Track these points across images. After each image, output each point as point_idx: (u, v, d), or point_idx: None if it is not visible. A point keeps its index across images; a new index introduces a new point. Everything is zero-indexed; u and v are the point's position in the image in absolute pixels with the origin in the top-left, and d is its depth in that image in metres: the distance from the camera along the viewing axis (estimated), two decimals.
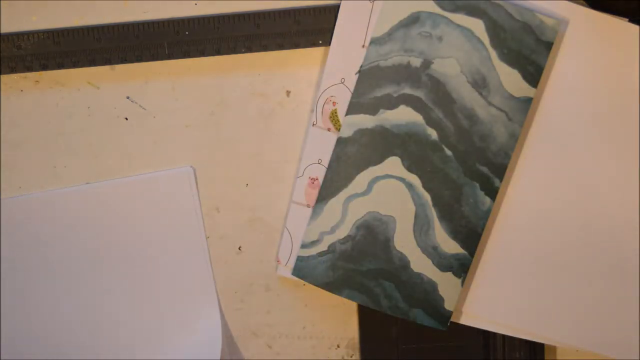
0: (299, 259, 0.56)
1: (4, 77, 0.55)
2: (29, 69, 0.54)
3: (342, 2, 0.54)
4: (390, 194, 0.54)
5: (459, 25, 0.53)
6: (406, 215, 0.54)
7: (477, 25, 0.53)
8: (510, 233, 0.55)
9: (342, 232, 0.55)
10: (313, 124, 0.55)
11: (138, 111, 0.56)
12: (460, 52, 0.53)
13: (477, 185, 0.54)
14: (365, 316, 0.58)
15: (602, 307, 0.56)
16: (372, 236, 0.55)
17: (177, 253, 0.56)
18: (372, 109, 0.54)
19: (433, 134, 0.54)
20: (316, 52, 0.55)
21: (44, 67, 0.54)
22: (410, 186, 0.54)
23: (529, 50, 0.53)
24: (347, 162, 0.54)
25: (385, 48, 0.54)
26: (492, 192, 0.54)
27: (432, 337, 0.58)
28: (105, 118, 0.56)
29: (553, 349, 0.60)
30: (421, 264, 0.55)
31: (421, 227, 0.54)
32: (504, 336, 0.58)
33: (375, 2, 0.53)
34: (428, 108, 0.54)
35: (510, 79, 0.53)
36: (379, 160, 0.54)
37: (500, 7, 0.53)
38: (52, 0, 0.54)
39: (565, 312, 0.56)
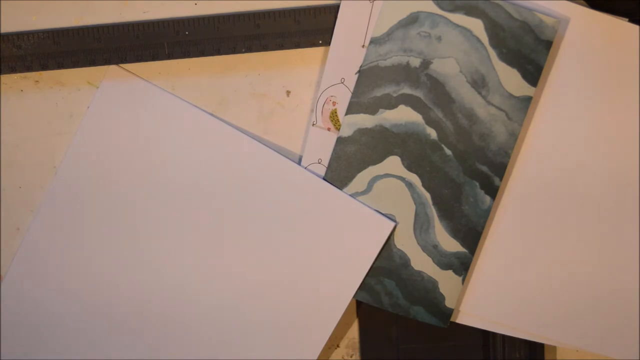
0: None
1: (4, 77, 0.55)
2: (29, 69, 0.54)
3: (342, 2, 0.54)
4: (390, 193, 0.54)
5: (458, 25, 0.53)
6: (406, 214, 0.54)
7: (476, 25, 0.53)
8: (510, 232, 0.55)
9: None
10: (313, 124, 0.55)
11: None
12: (459, 52, 0.53)
13: (477, 184, 0.54)
14: (365, 316, 0.58)
15: (602, 307, 0.56)
16: None
17: None
18: (371, 109, 0.54)
19: (432, 133, 0.54)
20: (316, 52, 0.55)
21: (44, 67, 0.54)
22: (410, 185, 0.54)
23: (529, 50, 0.53)
24: (347, 162, 0.54)
25: (384, 48, 0.54)
26: (492, 191, 0.54)
27: (432, 337, 0.58)
28: None
29: (553, 349, 0.60)
30: (422, 262, 0.55)
31: (421, 226, 0.54)
32: (504, 336, 0.58)
33: (374, 2, 0.54)
34: (427, 108, 0.54)
35: (510, 78, 0.53)
36: (379, 159, 0.54)
37: (499, 7, 0.53)
38: (52, 0, 0.54)
39: (565, 312, 0.56)
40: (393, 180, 0.54)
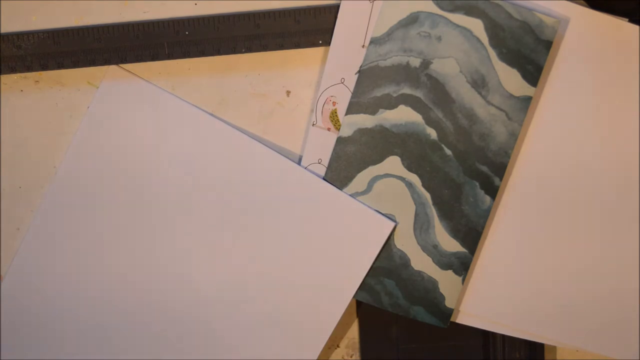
0: None
1: (4, 77, 0.55)
2: (29, 69, 0.54)
3: (342, 2, 0.54)
4: (390, 193, 0.54)
5: (457, 25, 0.53)
6: (406, 214, 0.54)
7: (476, 25, 0.53)
8: (510, 232, 0.55)
9: None
10: (313, 124, 0.55)
11: None
12: (459, 52, 0.53)
13: (477, 184, 0.54)
14: (365, 316, 0.58)
15: (602, 307, 0.56)
16: None
17: None
18: (371, 109, 0.54)
19: (432, 133, 0.54)
20: (316, 52, 0.55)
21: (44, 67, 0.54)
22: (410, 185, 0.54)
23: (529, 50, 0.53)
24: (347, 162, 0.54)
25: (384, 48, 0.54)
26: (492, 191, 0.54)
27: (432, 337, 0.58)
28: None
29: (553, 349, 0.60)
30: (422, 262, 0.55)
31: (421, 226, 0.54)
32: (504, 336, 0.58)
33: (374, 2, 0.54)
34: (427, 108, 0.54)
35: (510, 78, 0.53)
36: (379, 159, 0.54)
37: (499, 7, 0.53)
38: (52, 0, 0.54)
39: (565, 312, 0.56)
40: (393, 180, 0.54)
